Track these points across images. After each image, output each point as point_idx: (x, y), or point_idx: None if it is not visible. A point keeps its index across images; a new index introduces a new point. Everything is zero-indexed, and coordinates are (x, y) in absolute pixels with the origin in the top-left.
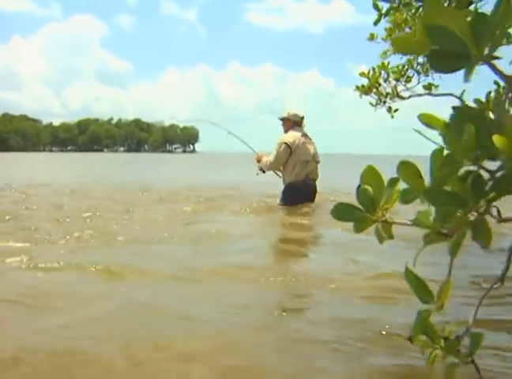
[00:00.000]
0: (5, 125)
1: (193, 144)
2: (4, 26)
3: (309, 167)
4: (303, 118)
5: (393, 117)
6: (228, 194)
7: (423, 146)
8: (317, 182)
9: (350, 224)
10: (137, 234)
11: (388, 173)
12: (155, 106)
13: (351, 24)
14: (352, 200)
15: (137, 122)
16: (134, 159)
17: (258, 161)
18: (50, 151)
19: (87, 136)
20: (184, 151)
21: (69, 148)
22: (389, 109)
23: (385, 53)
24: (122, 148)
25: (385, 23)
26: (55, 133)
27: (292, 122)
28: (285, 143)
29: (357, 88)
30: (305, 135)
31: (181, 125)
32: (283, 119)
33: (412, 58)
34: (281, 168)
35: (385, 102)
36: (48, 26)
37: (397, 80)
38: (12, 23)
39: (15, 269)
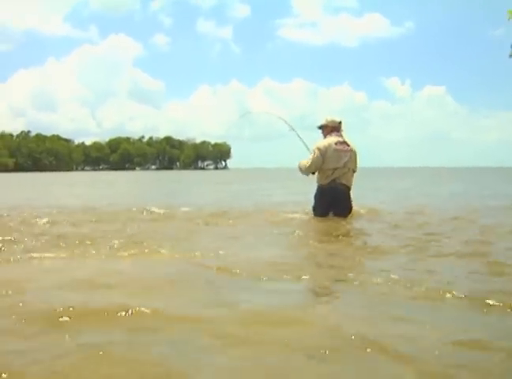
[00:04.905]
0: (38, 145)
1: (224, 161)
2: (40, 49)
3: (337, 173)
4: (340, 122)
5: None
6: None
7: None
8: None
9: None
10: None
11: None
12: (187, 124)
13: (385, 37)
14: None
15: (168, 140)
16: (180, 178)
17: None
18: (83, 170)
19: (118, 155)
20: (216, 168)
21: (101, 166)
22: None
23: None
24: (153, 166)
25: None
26: (87, 152)
27: (331, 128)
28: (318, 148)
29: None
30: (342, 142)
31: (212, 142)
32: (321, 127)
33: None
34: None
35: None
36: (83, 47)
37: None
38: (48, 45)
39: None
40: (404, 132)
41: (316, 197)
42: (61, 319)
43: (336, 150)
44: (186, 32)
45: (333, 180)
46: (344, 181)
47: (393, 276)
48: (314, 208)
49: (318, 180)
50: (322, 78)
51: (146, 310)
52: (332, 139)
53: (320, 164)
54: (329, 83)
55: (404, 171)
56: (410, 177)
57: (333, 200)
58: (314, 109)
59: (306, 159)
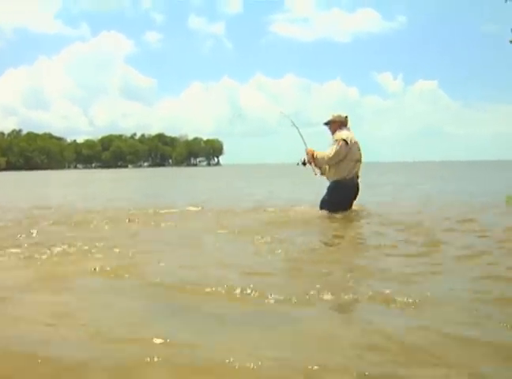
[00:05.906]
0: (30, 144)
1: (217, 157)
2: (31, 47)
3: (358, 166)
4: (346, 117)
5: None
6: None
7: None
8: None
9: None
10: None
11: None
12: (179, 120)
13: (377, 32)
14: None
15: (160, 137)
16: (192, 175)
17: (308, 154)
18: (75, 168)
19: (110, 153)
20: (209, 165)
21: (93, 164)
22: None
23: None
24: (146, 164)
25: None
26: (79, 150)
27: (338, 123)
28: (344, 139)
29: None
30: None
31: (204, 138)
32: (328, 123)
33: None
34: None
35: None
36: (75, 45)
37: None
38: (39, 43)
39: None
40: (397, 127)
41: (335, 191)
42: None
43: (356, 142)
44: (178, 29)
45: (355, 174)
46: (359, 175)
47: None
48: (330, 203)
49: (338, 174)
50: (315, 74)
51: None
52: (348, 132)
53: (344, 155)
54: (321, 78)
55: (396, 166)
56: (402, 172)
57: (350, 195)
58: (307, 105)
59: (328, 151)
